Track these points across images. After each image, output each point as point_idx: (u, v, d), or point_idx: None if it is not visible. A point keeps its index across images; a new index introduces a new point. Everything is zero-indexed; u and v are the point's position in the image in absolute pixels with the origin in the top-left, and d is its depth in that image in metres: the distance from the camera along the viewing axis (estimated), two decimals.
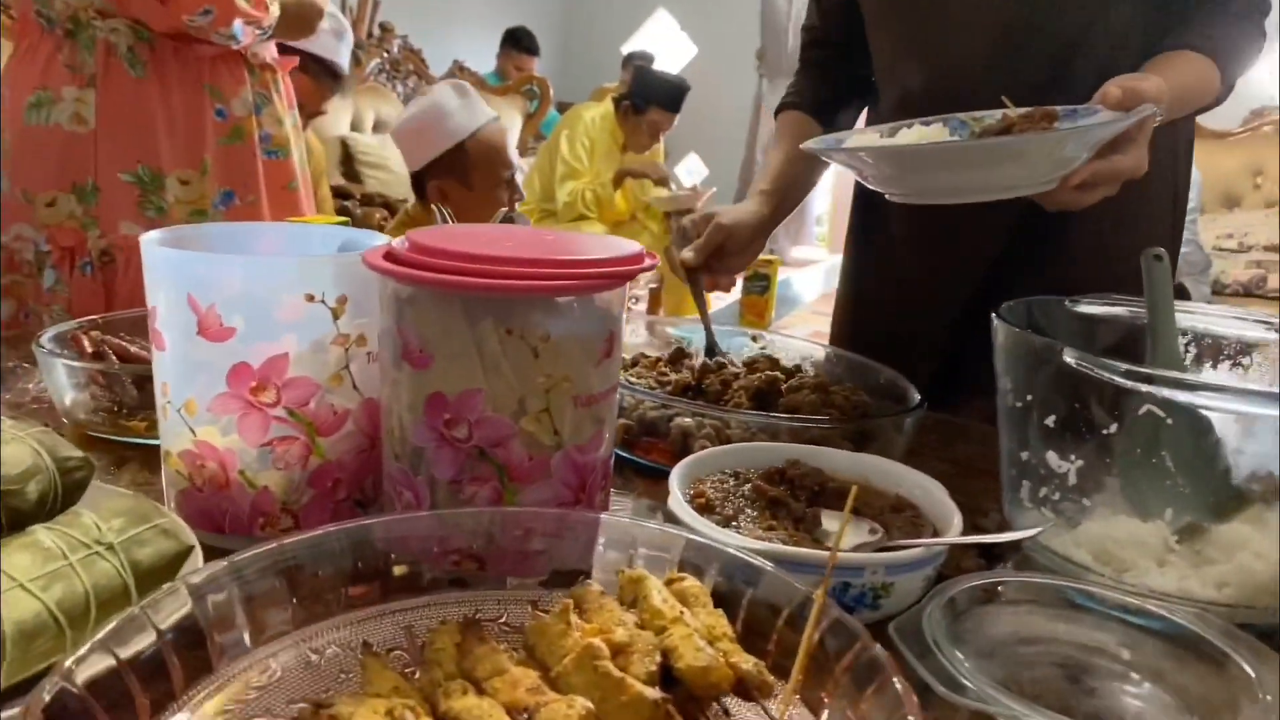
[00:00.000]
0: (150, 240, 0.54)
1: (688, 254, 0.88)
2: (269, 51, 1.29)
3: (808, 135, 0.92)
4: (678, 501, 0.53)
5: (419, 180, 1.94)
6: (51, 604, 0.38)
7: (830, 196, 6.77)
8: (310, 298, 0.52)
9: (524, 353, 0.48)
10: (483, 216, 1.86)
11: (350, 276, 0.53)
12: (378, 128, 3.41)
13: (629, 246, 0.53)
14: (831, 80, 0.96)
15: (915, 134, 0.70)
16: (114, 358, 0.75)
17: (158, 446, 0.57)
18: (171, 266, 0.52)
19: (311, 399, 0.54)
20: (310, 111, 2.24)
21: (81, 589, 0.40)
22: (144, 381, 0.72)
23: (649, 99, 3.34)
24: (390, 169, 3.22)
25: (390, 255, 0.50)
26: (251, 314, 0.51)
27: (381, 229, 2.54)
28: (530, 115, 4.38)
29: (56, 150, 1.14)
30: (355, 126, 3.32)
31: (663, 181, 3.45)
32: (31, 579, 0.38)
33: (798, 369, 0.84)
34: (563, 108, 4.17)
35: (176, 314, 0.51)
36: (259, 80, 1.26)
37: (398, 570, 0.43)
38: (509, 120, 4.27)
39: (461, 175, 1.89)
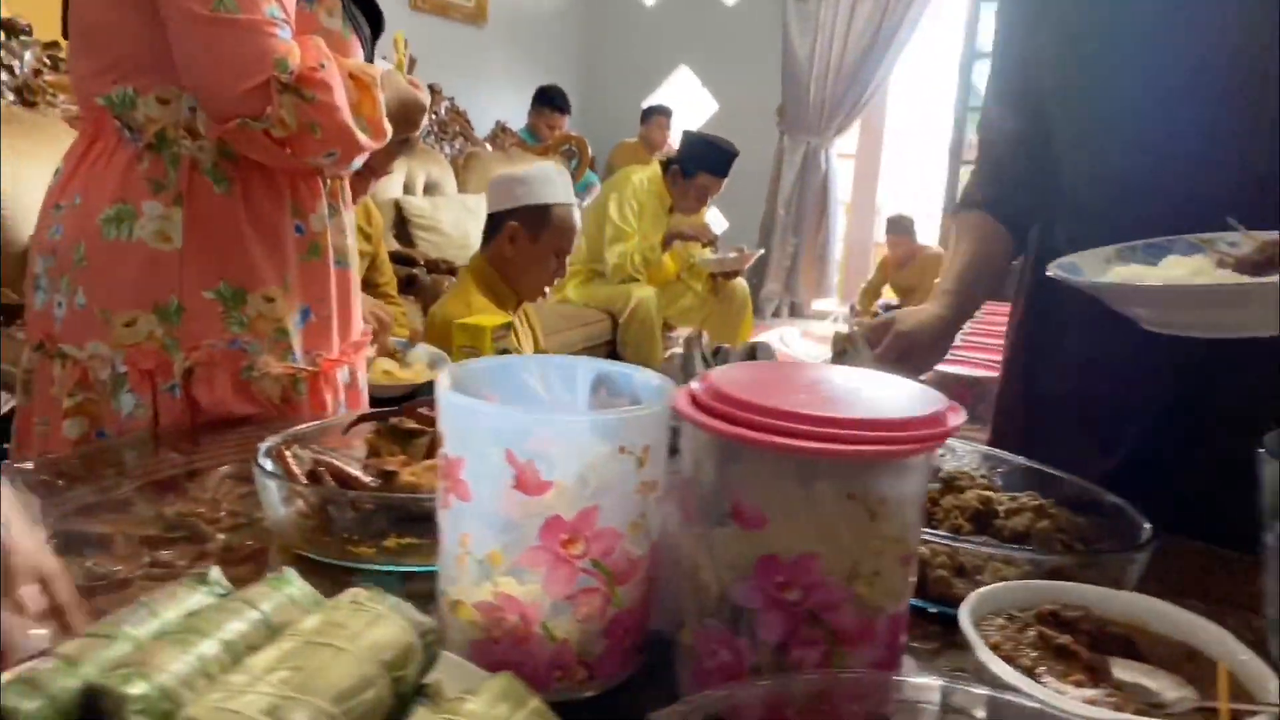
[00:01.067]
0: (454, 396, 0.53)
1: (869, 367, 0.88)
2: None
3: (994, 238, 0.92)
4: (992, 659, 0.52)
5: (494, 222, 2.12)
6: None
7: (843, 244, 6.82)
8: (623, 449, 0.52)
9: (862, 516, 0.48)
10: (534, 276, 2.13)
11: (657, 426, 0.53)
12: (428, 190, 3.44)
13: (929, 394, 0.53)
14: (1020, 184, 0.96)
15: (1185, 268, 0.70)
16: (329, 478, 0.74)
17: (373, 570, 0.58)
18: (490, 422, 0.52)
19: (615, 549, 0.53)
20: (380, 173, 2.27)
21: None
22: (362, 508, 0.71)
23: (698, 164, 3.39)
24: (442, 231, 3.24)
25: (706, 408, 0.50)
26: (568, 468, 0.51)
27: None
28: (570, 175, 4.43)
29: (137, 268, 1.09)
30: (408, 189, 3.36)
31: (710, 243, 3.48)
32: None
33: (985, 480, 0.83)
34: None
35: (490, 467, 0.51)
36: (329, 191, 1.24)
37: None
38: None
39: (535, 231, 2.10)
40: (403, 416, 0.82)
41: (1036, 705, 0.45)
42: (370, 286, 2.24)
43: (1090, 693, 0.52)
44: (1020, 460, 0.87)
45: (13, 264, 1.87)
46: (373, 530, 0.72)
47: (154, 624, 0.43)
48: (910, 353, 0.88)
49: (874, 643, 0.50)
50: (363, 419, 0.84)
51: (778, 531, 0.48)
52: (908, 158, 7.41)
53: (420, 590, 0.59)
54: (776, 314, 6.92)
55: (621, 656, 0.56)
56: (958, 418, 0.51)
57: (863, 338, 0.91)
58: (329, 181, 1.23)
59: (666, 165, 3.48)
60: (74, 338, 1.12)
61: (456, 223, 3.34)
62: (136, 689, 0.36)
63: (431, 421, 0.82)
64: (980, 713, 0.46)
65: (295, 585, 0.47)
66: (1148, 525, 0.72)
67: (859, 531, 0.48)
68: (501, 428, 0.51)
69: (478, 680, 0.45)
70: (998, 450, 0.93)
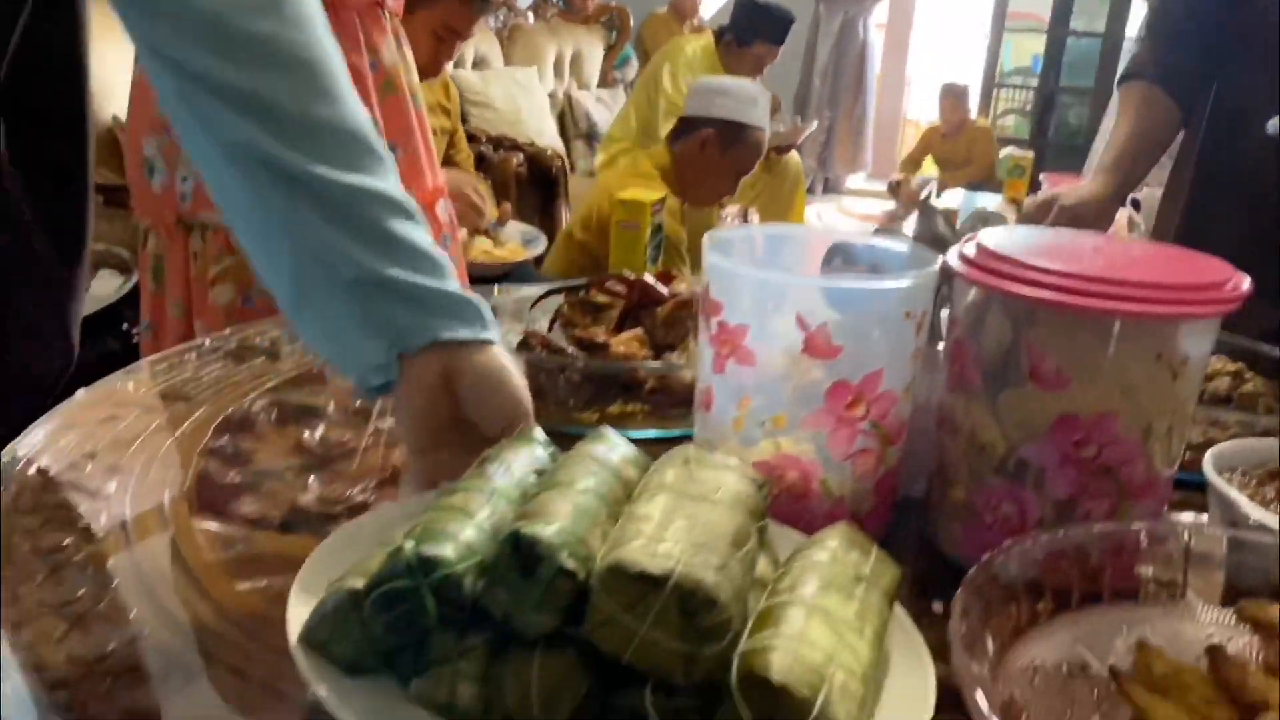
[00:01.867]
0: (743, 268, 0.54)
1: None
2: None
3: (1159, 111, 0.90)
4: (1254, 509, 0.54)
5: (689, 124, 2.11)
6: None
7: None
8: (907, 315, 0.53)
9: (1165, 376, 0.49)
10: (709, 187, 2.16)
11: (930, 292, 0.54)
12: (477, 65, 3.36)
13: (1208, 261, 0.53)
14: (1187, 48, 0.94)
15: None
16: (540, 349, 0.76)
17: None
18: (782, 290, 0.52)
19: (891, 411, 0.55)
20: (464, 35, 2.19)
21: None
22: (589, 383, 0.73)
23: (755, 32, 3.27)
24: (494, 106, 3.18)
25: (994, 271, 0.51)
26: (856, 334, 0.52)
27: (519, 176, 2.52)
28: (610, 47, 4.30)
29: None
30: (457, 64, 3.27)
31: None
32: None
33: None
34: None
35: (780, 333, 0.52)
36: (393, 26, 1.21)
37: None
38: (590, 52, 4.20)
39: (728, 145, 2.09)
40: (591, 290, 0.83)
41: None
42: (449, 164, 2.21)
43: None
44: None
45: (99, 145, 1.85)
46: (586, 398, 0.74)
47: (514, 479, 0.45)
48: (1075, 228, 0.88)
49: (1157, 496, 0.52)
50: (550, 293, 0.85)
51: (1080, 391, 0.49)
52: (939, 28, 7.13)
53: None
54: (810, 190, 6.81)
55: (885, 512, 0.58)
56: (1246, 282, 0.51)
57: (1027, 214, 0.91)
58: (390, 16, 1.21)
59: (719, 35, 3.36)
60: (208, 204, 1.13)
61: (507, 97, 3.27)
62: (552, 533, 0.38)
63: (619, 295, 0.83)
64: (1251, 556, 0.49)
65: (615, 440, 0.49)
66: None
67: (1160, 391, 0.49)
68: (794, 295, 0.52)
69: (792, 541, 0.47)
70: None
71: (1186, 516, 0.64)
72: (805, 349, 0.52)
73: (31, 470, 0.64)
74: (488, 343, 0.53)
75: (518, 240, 1.86)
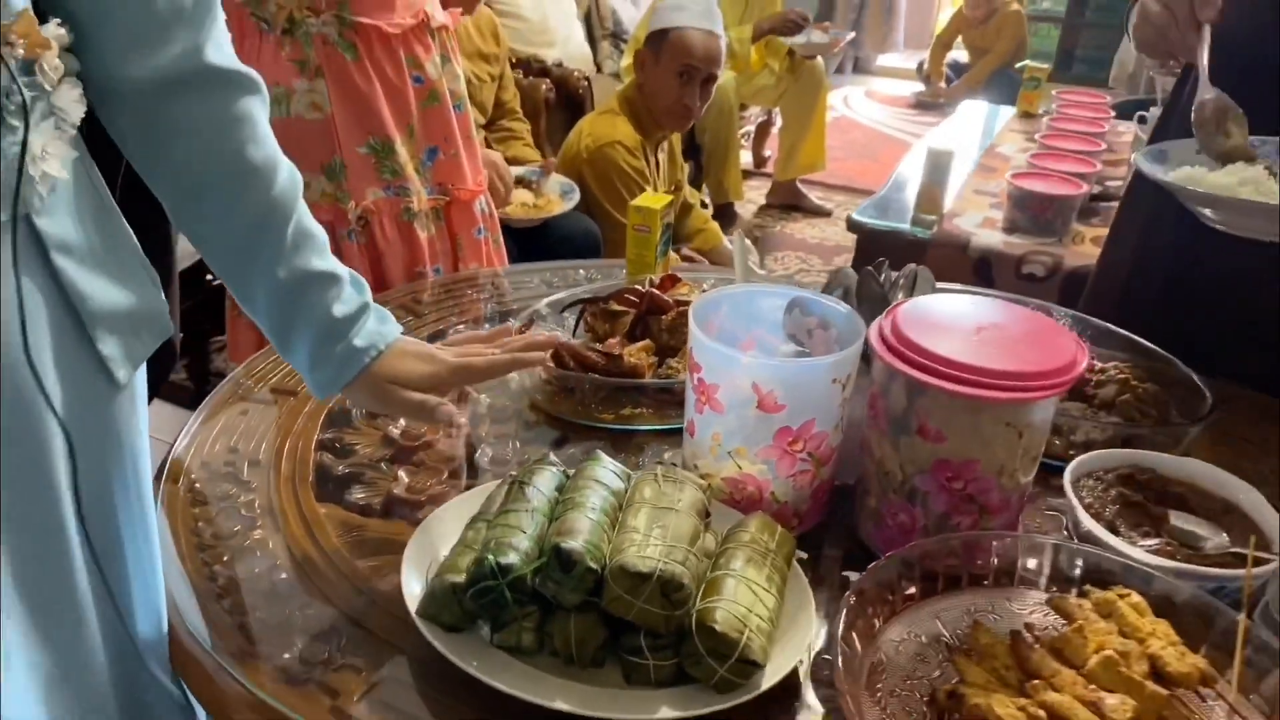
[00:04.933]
0: (713, 345, 0.73)
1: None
2: (440, 13, 1.40)
3: None
4: (1086, 519, 0.75)
5: (637, 57, 2.35)
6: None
7: None
8: (834, 380, 0.72)
9: (1013, 438, 0.69)
10: (664, 101, 2.30)
11: (854, 361, 0.74)
12: None
13: (1066, 340, 0.72)
14: None
15: (1236, 177, 0.84)
16: (569, 360, 0.96)
17: (608, 430, 0.88)
18: (742, 364, 0.72)
19: (823, 443, 0.75)
20: None
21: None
22: (604, 389, 0.94)
23: None
24: (521, 16, 3.24)
25: (894, 350, 0.70)
26: (795, 394, 0.72)
27: (548, 101, 2.64)
28: None
29: (300, 138, 1.27)
30: None
31: (796, 26, 3.43)
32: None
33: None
34: None
35: (739, 393, 0.72)
36: (438, 43, 1.39)
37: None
38: None
39: (655, 53, 2.28)
40: (610, 301, 1.02)
41: (1118, 558, 0.68)
42: (498, 105, 2.35)
43: (1152, 542, 0.74)
44: (1105, 325, 1.06)
45: None
46: (603, 399, 0.95)
47: (545, 498, 0.68)
48: None
49: (1008, 512, 0.73)
50: (576, 303, 1.04)
51: (952, 445, 0.69)
52: None
53: (644, 442, 0.84)
54: (840, 70, 6.72)
55: (819, 509, 0.79)
56: (1084, 360, 0.70)
57: None
58: (437, 34, 1.38)
59: None
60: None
61: (535, 5, 3.33)
62: (579, 545, 0.61)
63: (634, 304, 1.02)
64: (1077, 561, 0.70)
65: (608, 464, 0.71)
66: (1209, 399, 0.92)
67: (1009, 447, 0.69)
68: (751, 367, 0.72)
69: (732, 519, 0.70)
70: (1087, 316, 1.11)
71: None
72: (759, 405, 0.72)
73: (196, 464, 0.86)
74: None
75: (556, 192, 2.01)
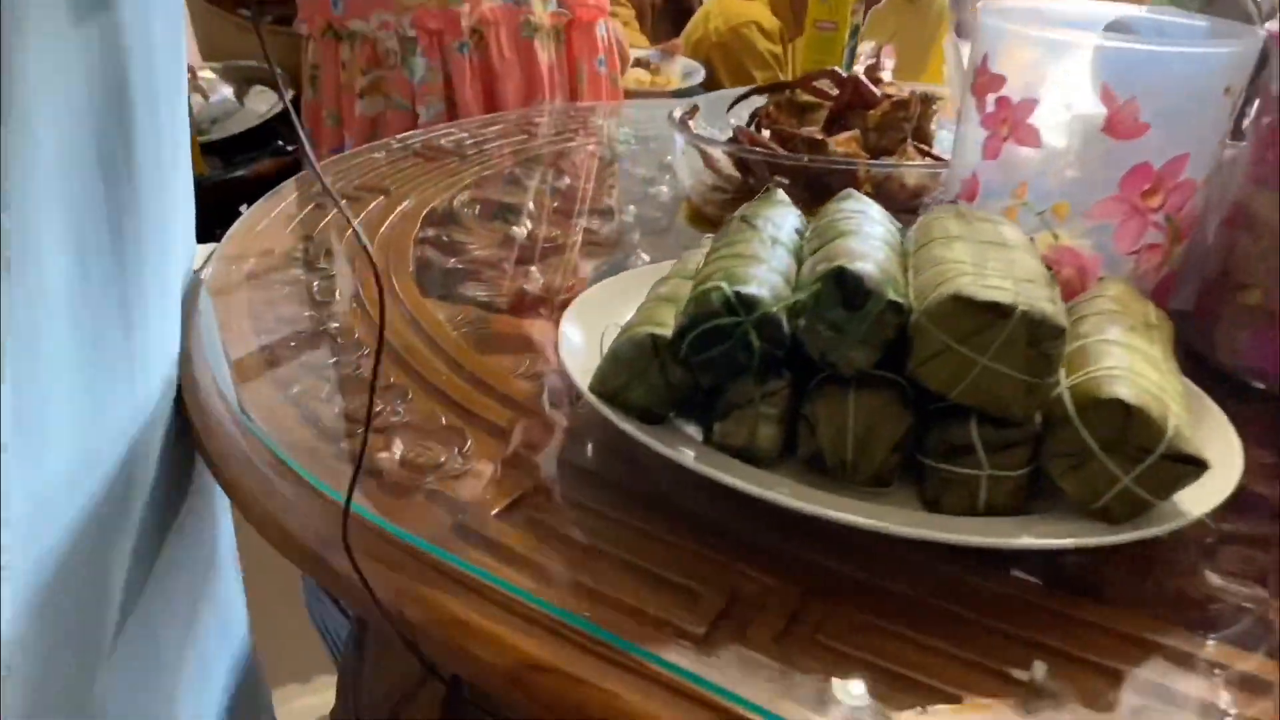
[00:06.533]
0: (1028, 29, 0.48)
1: None
2: None
3: None
4: None
5: None
6: None
7: None
8: (1227, 91, 0.47)
9: None
10: None
11: (1250, 65, 0.48)
12: None
13: None
14: None
15: None
16: (754, 147, 0.72)
17: None
18: (1079, 58, 0.47)
19: (1187, 203, 0.49)
20: None
21: None
22: (809, 185, 0.69)
23: None
24: None
25: None
26: (1167, 110, 0.46)
27: (654, 5, 2.40)
28: None
29: None
30: None
31: None
32: None
33: None
34: None
35: (1075, 109, 0.47)
36: None
37: None
38: None
39: None
40: (798, 90, 0.78)
41: None
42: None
43: None
44: None
45: None
46: (800, 200, 0.70)
47: (784, 233, 0.44)
48: None
49: None
50: (752, 92, 0.80)
51: None
52: None
53: None
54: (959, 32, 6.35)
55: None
56: None
57: None
58: None
59: None
60: (358, 12, 1.12)
61: None
62: (873, 268, 0.37)
63: (828, 96, 0.77)
64: None
65: (865, 200, 0.47)
66: None
67: None
68: (1101, 64, 0.46)
69: None
70: None
71: None
72: (1106, 127, 0.47)
73: (256, 249, 0.64)
74: None
75: (678, 72, 1.79)
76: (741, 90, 0.80)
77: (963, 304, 0.35)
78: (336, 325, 0.54)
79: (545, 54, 1.15)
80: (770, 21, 1.93)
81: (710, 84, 1.86)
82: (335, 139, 1.21)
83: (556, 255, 0.67)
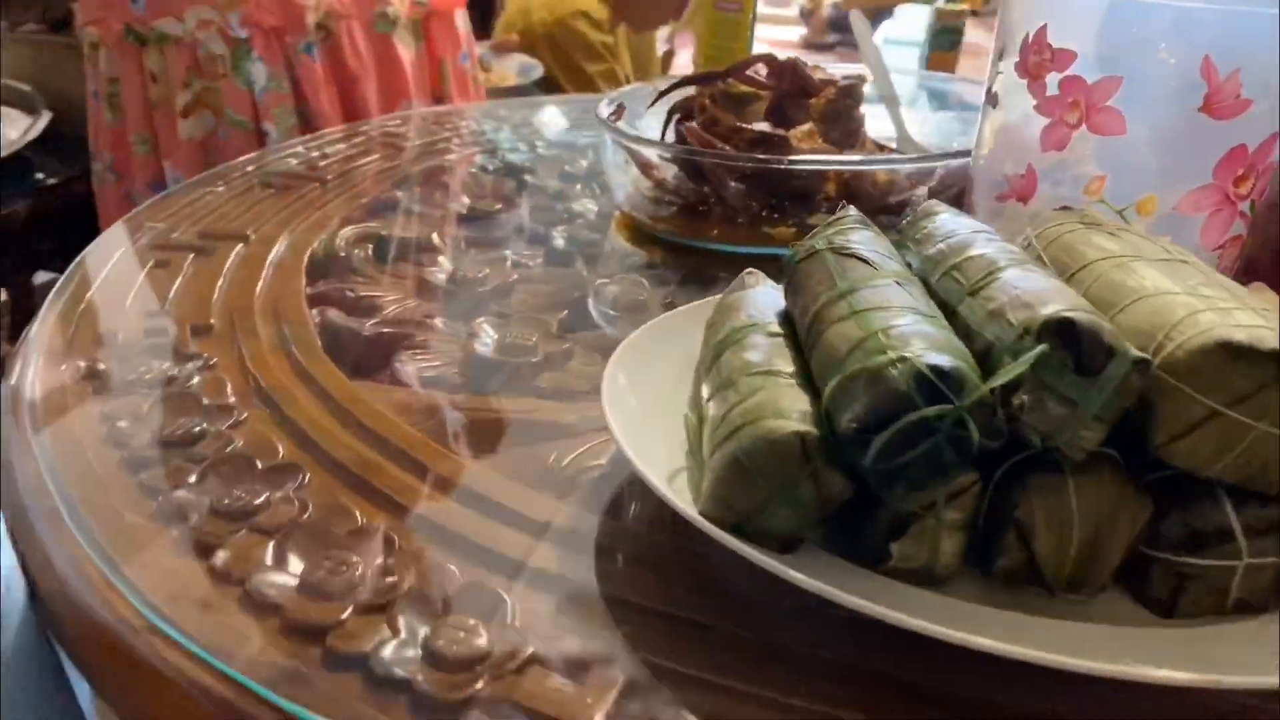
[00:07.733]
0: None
1: None
2: None
3: None
4: None
5: None
6: None
7: None
8: None
9: None
10: (650, 6, 1.67)
11: None
12: None
13: None
14: None
15: None
16: (709, 144, 0.61)
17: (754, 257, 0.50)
18: (1177, 24, 0.39)
19: (1266, 190, 0.44)
20: None
21: None
22: (779, 188, 0.59)
23: None
24: None
25: None
26: (1267, 85, 0.40)
27: None
28: None
29: None
30: None
31: None
32: None
33: None
34: None
35: (1168, 87, 0.40)
36: None
37: None
38: None
39: None
40: (731, 79, 0.67)
41: None
42: None
43: None
44: None
45: None
46: (755, 210, 0.61)
47: (907, 268, 0.33)
48: None
49: None
50: (681, 84, 0.68)
51: None
52: None
53: None
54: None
55: None
56: None
57: None
58: None
59: None
60: (167, 9, 0.90)
61: None
62: (1099, 318, 0.27)
63: (764, 85, 0.68)
64: None
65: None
66: None
67: None
68: (1206, 30, 0.39)
69: None
70: None
71: None
72: (1205, 105, 0.40)
73: (86, 339, 0.47)
74: None
75: (513, 68, 1.64)
76: (672, 80, 0.69)
77: (1231, 353, 0.26)
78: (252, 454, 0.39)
79: (406, 50, 0.98)
80: (599, 10, 1.82)
81: (544, 81, 1.73)
82: (151, 169, 0.97)
83: (498, 300, 0.53)
